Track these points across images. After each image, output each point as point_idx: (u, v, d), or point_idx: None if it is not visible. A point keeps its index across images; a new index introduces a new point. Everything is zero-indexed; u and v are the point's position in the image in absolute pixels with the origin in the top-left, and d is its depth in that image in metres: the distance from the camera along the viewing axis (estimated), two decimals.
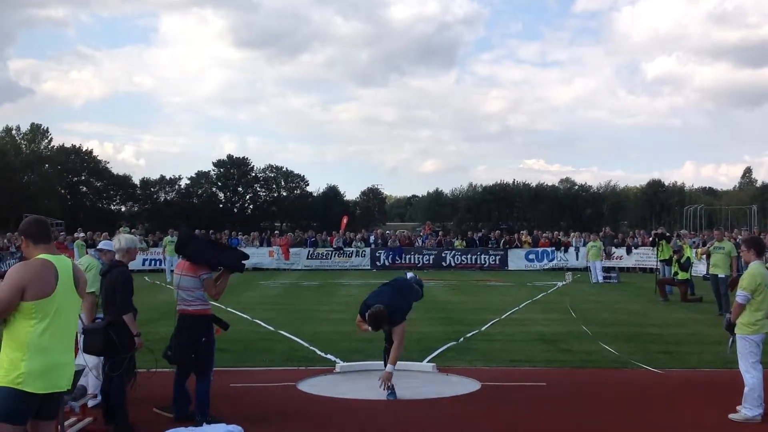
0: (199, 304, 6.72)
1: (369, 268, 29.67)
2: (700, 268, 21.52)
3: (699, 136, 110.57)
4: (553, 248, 30.16)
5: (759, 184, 68.55)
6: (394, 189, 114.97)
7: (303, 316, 14.35)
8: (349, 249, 30.66)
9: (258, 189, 68.19)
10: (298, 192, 68.27)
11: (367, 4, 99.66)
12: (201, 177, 66.04)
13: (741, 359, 6.94)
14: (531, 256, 30.13)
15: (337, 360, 9.46)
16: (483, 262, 30.03)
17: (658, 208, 62.82)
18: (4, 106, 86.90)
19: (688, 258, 18.53)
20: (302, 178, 68.82)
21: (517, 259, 30.04)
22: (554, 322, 13.48)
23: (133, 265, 7.41)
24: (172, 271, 15.34)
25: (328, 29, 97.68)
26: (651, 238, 25.46)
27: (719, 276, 14.83)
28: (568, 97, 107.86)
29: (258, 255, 29.03)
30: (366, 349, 9.81)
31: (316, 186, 71.18)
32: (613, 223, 57.86)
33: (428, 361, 9.44)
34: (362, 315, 7.74)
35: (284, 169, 68.74)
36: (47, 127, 62.61)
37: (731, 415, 6.84)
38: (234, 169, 66.64)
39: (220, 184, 66.83)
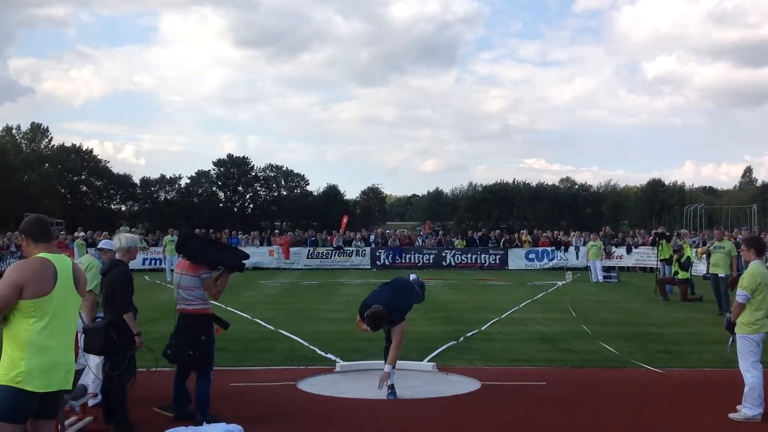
0: (199, 303, 6.72)
1: (369, 267, 29.68)
2: (700, 268, 21.52)
3: (699, 136, 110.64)
4: (553, 248, 30.16)
5: (759, 183, 68.64)
6: (394, 188, 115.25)
7: (303, 316, 14.35)
8: (349, 248, 30.66)
9: (258, 188, 68.20)
10: (298, 191, 68.27)
11: (368, 3, 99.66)
12: (201, 176, 66.03)
13: (741, 358, 6.94)
14: (531, 256, 30.12)
15: (338, 359, 9.46)
16: (483, 262, 30.03)
17: (659, 208, 62.81)
18: (4, 105, 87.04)
19: (689, 257, 18.53)
20: (302, 178, 68.88)
21: (517, 259, 30.03)
22: (554, 322, 13.48)
23: (133, 265, 7.41)
24: (172, 270, 15.34)
25: (328, 28, 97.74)
26: (651, 238, 25.49)
27: (719, 275, 14.83)
28: (568, 96, 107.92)
29: (258, 254, 29.06)
30: (366, 349, 9.81)
31: (316, 185, 71.22)
32: (614, 222, 57.83)
33: (428, 361, 9.45)
34: (362, 315, 7.73)
35: (284, 168, 68.80)
36: (47, 127, 62.79)
37: (731, 415, 6.84)
38: (234, 168, 66.63)
39: (220, 183, 66.83)
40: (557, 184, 69.78)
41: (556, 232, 33.22)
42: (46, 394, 4.01)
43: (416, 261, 29.98)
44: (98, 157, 64.42)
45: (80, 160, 62.66)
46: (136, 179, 64.97)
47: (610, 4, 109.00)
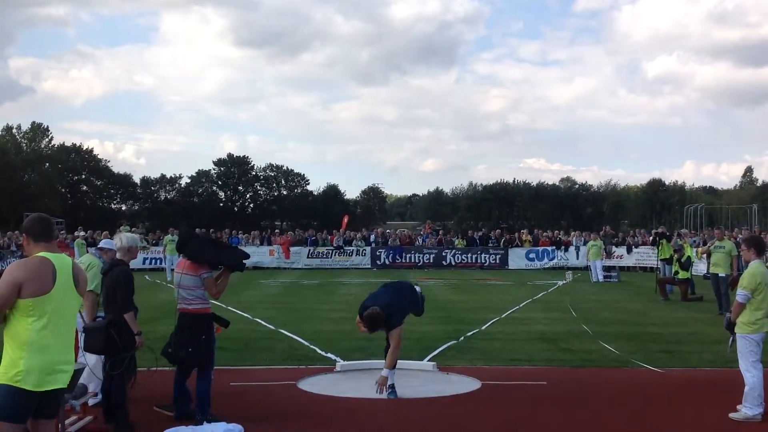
0: (200, 302, 6.72)
1: (369, 267, 29.68)
2: (700, 267, 21.51)
3: (699, 136, 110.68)
4: (554, 247, 30.15)
5: (759, 183, 68.71)
6: (395, 188, 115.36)
7: (303, 315, 14.35)
8: (350, 248, 30.66)
9: (258, 188, 68.29)
10: (299, 191, 68.33)
11: (368, 3, 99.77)
12: (201, 176, 66.10)
13: (741, 358, 6.93)
14: (531, 255, 30.12)
15: (338, 359, 9.47)
16: (483, 261, 30.03)
17: (659, 207, 62.83)
18: (5, 104, 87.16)
19: (689, 257, 18.53)
20: (302, 177, 68.97)
21: (517, 258, 30.03)
22: (554, 321, 13.48)
23: (133, 264, 7.42)
24: (172, 269, 15.33)
25: (328, 28, 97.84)
26: (651, 237, 25.48)
27: (720, 275, 14.83)
28: (568, 96, 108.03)
29: (258, 254, 29.06)
30: (366, 348, 9.80)
31: (316, 185, 71.36)
32: (614, 222, 57.83)
33: (428, 360, 9.45)
34: (361, 316, 7.74)
35: (284, 168, 68.91)
36: (47, 126, 62.88)
37: (731, 414, 6.84)
38: (234, 168, 66.69)
39: (220, 183, 66.89)
40: (557, 183, 70.00)
41: (556, 231, 33.25)
42: (46, 394, 4.01)
43: (416, 260, 29.99)
44: (98, 156, 64.72)
45: (80, 159, 62.72)
46: (137, 179, 65.21)
47: (611, 4, 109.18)
